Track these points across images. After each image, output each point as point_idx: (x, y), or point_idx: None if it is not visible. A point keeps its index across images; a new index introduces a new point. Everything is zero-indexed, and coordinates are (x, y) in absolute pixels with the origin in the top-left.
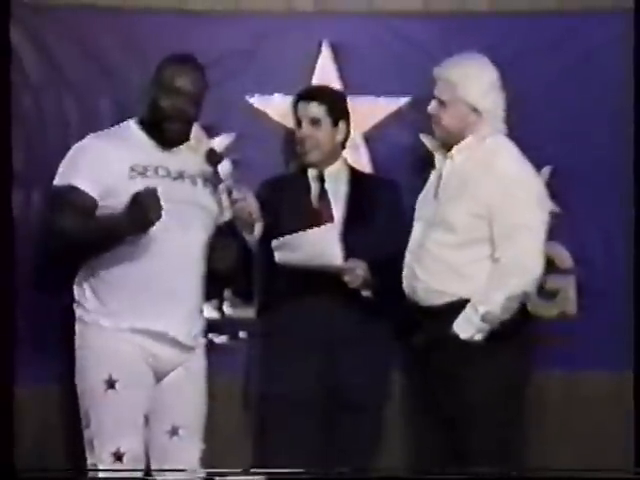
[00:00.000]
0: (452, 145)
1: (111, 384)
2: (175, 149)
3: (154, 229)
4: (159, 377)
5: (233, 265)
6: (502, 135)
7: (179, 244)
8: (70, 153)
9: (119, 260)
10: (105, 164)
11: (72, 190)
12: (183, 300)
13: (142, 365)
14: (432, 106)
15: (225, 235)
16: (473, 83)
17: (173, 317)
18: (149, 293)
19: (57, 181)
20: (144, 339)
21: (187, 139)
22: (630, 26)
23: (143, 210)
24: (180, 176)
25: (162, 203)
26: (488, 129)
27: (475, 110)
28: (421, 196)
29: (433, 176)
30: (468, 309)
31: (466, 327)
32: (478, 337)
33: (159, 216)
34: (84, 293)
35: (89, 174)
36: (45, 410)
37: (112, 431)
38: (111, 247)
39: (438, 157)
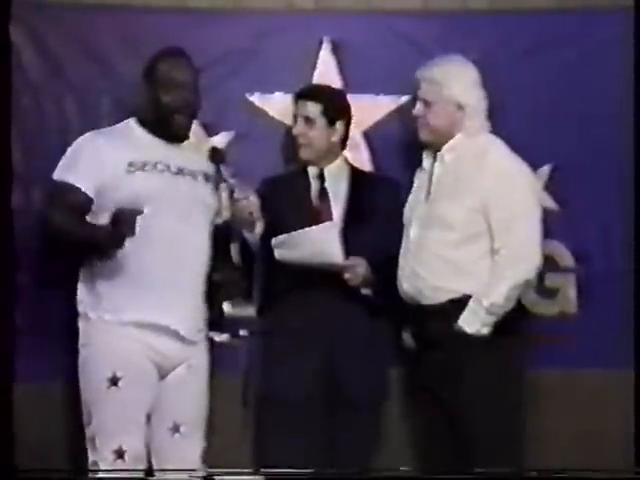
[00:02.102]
0: (438, 146)
1: (114, 382)
2: (177, 145)
3: (156, 223)
4: (163, 374)
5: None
6: (489, 133)
7: (180, 238)
8: (70, 148)
9: (121, 255)
10: (102, 161)
11: (67, 187)
12: (185, 294)
13: (146, 363)
14: (417, 108)
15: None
16: (457, 81)
17: (175, 311)
18: (151, 287)
19: (56, 175)
20: (148, 335)
21: (189, 131)
22: (630, 25)
23: (119, 226)
24: (180, 172)
25: (138, 226)
26: (474, 126)
27: (460, 107)
28: (410, 198)
29: (422, 177)
30: (473, 303)
31: (472, 321)
32: (484, 331)
33: (133, 233)
34: (87, 289)
35: (86, 171)
36: (45, 408)
37: (114, 429)
38: (97, 255)
39: (426, 158)
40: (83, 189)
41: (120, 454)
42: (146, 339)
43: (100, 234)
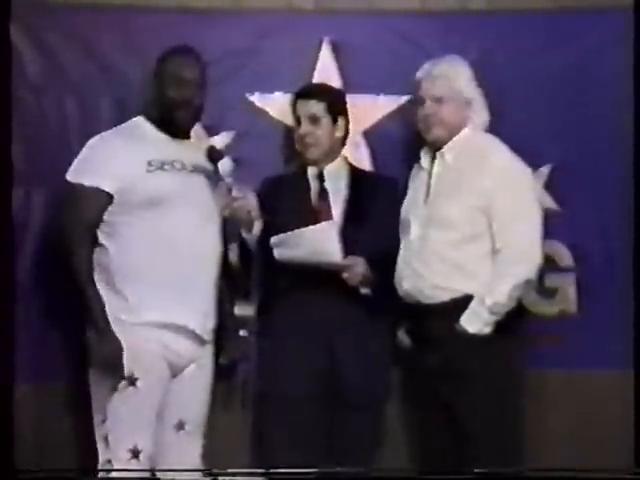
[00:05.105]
0: (444, 143)
1: (132, 382)
2: (187, 142)
3: (175, 222)
4: (174, 373)
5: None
6: (488, 133)
7: (197, 236)
8: (85, 149)
9: (136, 253)
10: (122, 161)
11: (86, 190)
12: (201, 293)
13: (162, 363)
14: (428, 105)
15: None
16: (463, 76)
17: (192, 310)
18: (169, 286)
19: (71, 177)
20: (165, 334)
21: (191, 128)
22: (630, 25)
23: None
24: (195, 169)
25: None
26: (480, 121)
27: (467, 102)
28: (408, 198)
29: (420, 176)
30: (475, 303)
31: (474, 321)
32: (486, 330)
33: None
34: (104, 289)
35: (106, 172)
36: (45, 408)
37: (130, 428)
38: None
39: (424, 157)
40: (106, 190)
41: (135, 454)
42: (163, 339)
43: (92, 315)
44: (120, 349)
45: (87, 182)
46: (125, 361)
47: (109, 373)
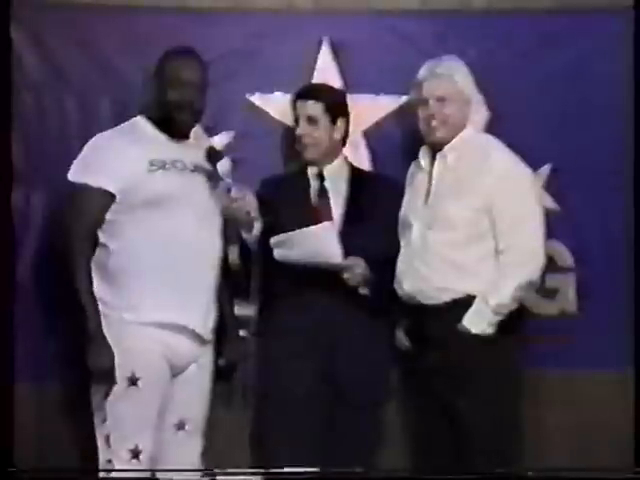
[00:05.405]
0: (446, 144)
1: (133, 381)
2: (187, 142)
3: (177, 222)
4: (175, 372)
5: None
6: (488, 134)
7: (197, 236)
8: (86, 149)
9: (138, 253)
10: (123, 160)
11: (88, 190)
12: (202, 293)
13: (163, 363)
14: (432, 105)
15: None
16: (463, 75)
17: (192, 310)
18: (169, 286)
19: (73, 177)
20: (166, 334)
21: (191, 130)
22: (630, 24)
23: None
24: (196, 169)
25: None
26: (480, 120)
27: (468, 101)
28: (408, 198)
29: (420, 177)
30: (478, 303)
31: (477, 321)
32: (489, 331)
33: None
34: (105, 288)
35: (109, 171)
36: (45, 408)
37: (131, 428)
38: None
39: (423, 158)
40: (109, 190)
41: (136, 454)
42: (164, 339)
43: (87, 322)
44: (112, 357)
45: (91, 182)
46: (126, 361)
47: (101, 381)
